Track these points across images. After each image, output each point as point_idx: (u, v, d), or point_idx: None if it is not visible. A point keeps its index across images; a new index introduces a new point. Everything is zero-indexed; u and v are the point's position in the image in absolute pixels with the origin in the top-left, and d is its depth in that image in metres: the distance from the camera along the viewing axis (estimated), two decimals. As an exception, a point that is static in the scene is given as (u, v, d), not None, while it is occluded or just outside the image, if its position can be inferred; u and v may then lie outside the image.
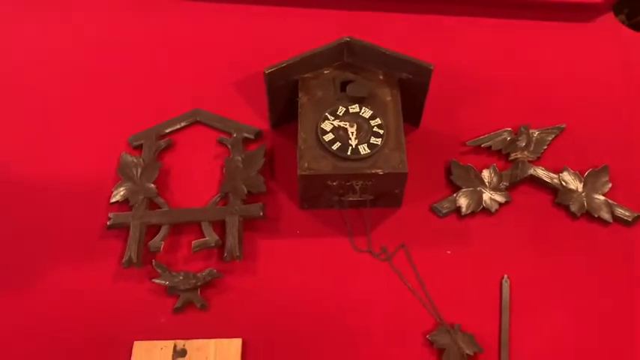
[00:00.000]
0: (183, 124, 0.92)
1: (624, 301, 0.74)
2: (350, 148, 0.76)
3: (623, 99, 0.94)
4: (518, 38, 1.02)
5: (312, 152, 0.77)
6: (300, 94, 0.82)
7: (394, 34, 1.01)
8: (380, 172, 0.75)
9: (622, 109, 0.92)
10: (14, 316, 0.73)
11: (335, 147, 0.76)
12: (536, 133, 0.88)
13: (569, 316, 0.73)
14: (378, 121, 0.79)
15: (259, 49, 1.00)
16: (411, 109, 0.88)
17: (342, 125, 0.78)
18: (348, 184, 0.77)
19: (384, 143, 0.77)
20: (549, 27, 1.04)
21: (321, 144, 0.77)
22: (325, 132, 0.78)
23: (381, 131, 0.78)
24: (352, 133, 0.78)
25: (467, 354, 0.69)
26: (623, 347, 0.70)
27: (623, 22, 1.05)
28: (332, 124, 0.79)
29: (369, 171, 0.75)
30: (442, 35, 1.03)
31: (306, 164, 0.76)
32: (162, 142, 0.89)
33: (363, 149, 0.76)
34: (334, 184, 0.77)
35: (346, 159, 0.76)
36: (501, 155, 0.87)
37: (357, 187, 0.78)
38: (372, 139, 0.77)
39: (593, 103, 0.92)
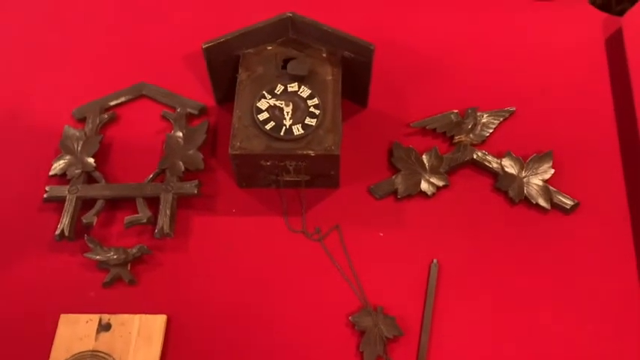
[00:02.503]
0: (128, 97, 0.91)
1: (553, 289, 0.74)
2: (284, 128, 0.75)
3: (577, 84, 0.91)
4: (470, 18, 0.99)
5: (245, 131, 0.76)
6: (240, 70, 0.81)
7: (343, 11, 0.98)
8: (312, 153, 0.74)
9: (575, 95, 0.89)
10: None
11: (268, 127, 0.75)
12: (484, 116, 0.86)
13: (495, 303, 0.73)
14: (316, 101, 0.77)
15: (212, 23, 0.98)
16: (357, 89, 0.86)
17: (277, 104, 0.77)
18: (281, 164, 0.76)
19: (318, 124, 0.76)
20: (502, 6, 1.00)
21: (256, 123, 0.76)
22: (260, 111, 0.77)
23: (317, 112, 0.76)
24: (287, 112, 0.77)
25: (386, 337, 0.70)
26: (547, 336, 0.71)
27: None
28: (268, 102, 0.77)
29: (301, 152, 0.74)
30: (392, 13, 0.99)
31: (238, 143, 0.75)
32: (106, 116, 0.88)
33: (297, 130, 0.75)
34: (268, 164, 0.77)
35: (279, 139, 0.75)
36: (446, 138, 0.86)
37: (291, 168, 0.77)
38: (307, 120, 0.76)
39: (545, 87, 0.90)
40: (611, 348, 0.70)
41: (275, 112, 0.77)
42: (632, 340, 0.70)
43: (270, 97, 0.78)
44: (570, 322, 0.71)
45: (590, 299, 0.73)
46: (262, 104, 0.77)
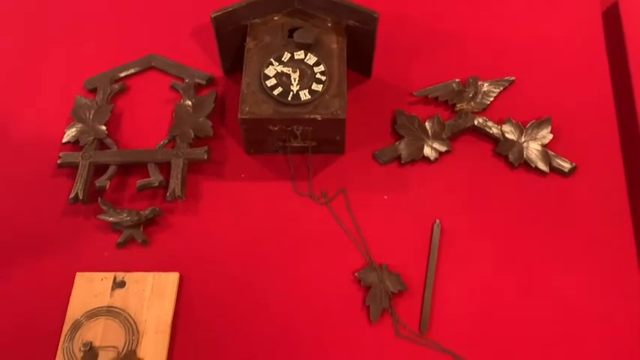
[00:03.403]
0: (137, 68, 0.93)
1: (551, 248, 0.76)
2: (291, 93, 0.78)
3: (575, 54, 0.93)
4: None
5: (254, 97, 0.78)
6: (247, 40, 0.83)
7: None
8: (318, 117, 0.77)
9: (573, 65, 0.92)
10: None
11: (276, 92, 0.78)
12: (485, 85, 0.89)
13: (496, 261, 0.76)
14: (322, 67, 0.80)
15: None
16: (362, 59, 0.88)
17: (285, 71, 0.79)
18: (289, 129, 0.79)
19: (325, 90, 0.78)
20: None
21: (264, 89, 0.78)
22: (268, 77, 0.79)
23: (324, 78, 0.79)
24: (295, 79, 0.79)
25: (391, 292, 0.72)
26: (546, 297, 0.73)
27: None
28: (275, 69, 0.80)
29: (308, 116, 0.77)
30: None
31: (247, 108, 0.77)
32: (116, 86, 0.91)
33: (304, 95, 0.78)
34: (276, 128, 0.79)
35: (287, 104, 0.77)
36: (448, 106, 0.88)
37: (298, 133, 0.79)
38: (314, 86, 0.78)
39: (544, 56, 0.92)
40: (606, 303, 0.72)
41: (282, 79, 0.79)
42: (626, 297, 0.73)
43: (277, 64, 0.80)
44: (567, 279, 0.74)
45: (587, 258, 0.76)
46: (270, 71, 0.79)
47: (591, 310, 0.72)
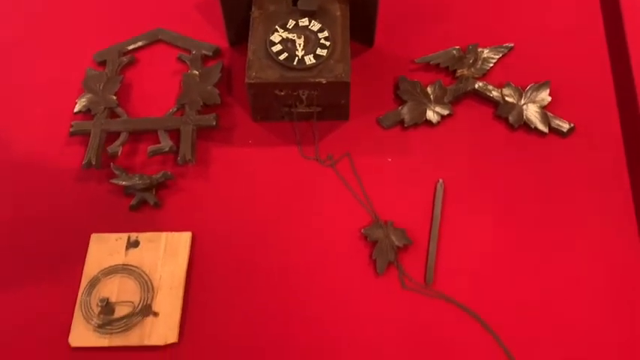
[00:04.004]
0: (145, 42, 0.95)
1: (550, 205, 0.79)
2: (296, 58, 0.80)
3: (571, 18, 0.95)
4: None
5: (260, 62, 0.80)
6: (252, 9, 0.85)
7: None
8: (323, 80, 0.79)
9: (569, 29, 0.94)
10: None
11: (282, 57, 0.80)
12: (484, 52, 0.91)
13: (496, 217, 0.78)
14: (326, 33, 0.82)
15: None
16: (364, 28, 0.90)
17: (290, 37, 0.82)
18: (295, 93, 0.81)
19: (329, 55, 0.80)
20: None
21: (270, 55, 0.80)
22: (274, 43, 0.81)
23: (328, 43, 0.81)
24: (300, 44, 0.81)
25: (397, 246, 0.75)
26: (544, 250, 0.76)
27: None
28: (281, 36, 0.82)
29: (313, 80, 0.79)
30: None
31: (253, 73, 0.80)
32: (125, 59, 0.93)
33: (309, 59, 0.80)
34: (282, 93, 0.81)
35: (292, 69, 0.80)
36: (449, 72, 0.91)
37: (304, 97, 0.81)
38: (318, 51, 0.81)
39: (541, 23, 0.94)
40: (601, 254, 0.75)
41: (288, 45, 0.81)
42: (622, 247, 0.75)
43: (282, 30, 0.82)
44: (565, 234, 0.76)
45: (584, 214, 0.78)
46: (275, 37, 0.82)
47: (588, 260, 0.75)
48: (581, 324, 0.70)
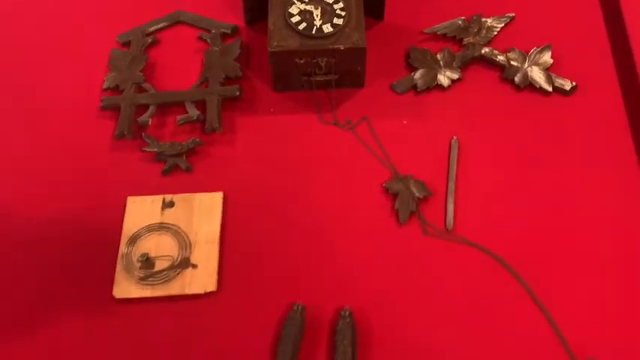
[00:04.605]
0: (166, 23, 1.00)
1: (556, 156, 0.84)
2: (315, 27, 0.85)
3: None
4: None
5: (280, 33, 0.85)
6: (271, -15, 0.91)
7: None
8: (341, 47, 0.84)
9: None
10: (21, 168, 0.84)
11: (301, 27, 0.85)
12: (488, 22, 0.97)
13: (508, 169, 0.83)
14: (341, 4, 0.87)
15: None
16: (375, 2, 0.96)
17: (307, 9, 0.87)
18: (314, 61, 0.86)
19: (345, 23, 0.85)
20: None
21: (289, 25, 0.86)
22: (292, 15, 0.86)
23: (343, 13, 0.86)
24: (317, 15, 0.86)
25: (417, 197, 0.79)
26: (549, 193, 0.81)
27: None
28: (299, 8, 0.87)
29: (331, 46, 0.84)
30: None
31: (275, 42, 0.85)
32: (149, 39, 0.98)
33: (327, 28, 0.85)
34: (302, 61, 0.86)
35: (311, 37, 0.85)
36: (456, 41, 0.96)
37: (322, 64, 0.86)
38: (335, 20, 0.86)
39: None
40: (606, 198, 0.80)
41: (306, 16, 0.86)
42: (625, 190, 0.81)
43: (299, 2, 0.87)
44: (570, 179, 0.82)
45: (587, 161, 0.84)
46: (293, 9, 0.87)
47: (592, 200, 0.80)
48: (593, 256, 0.75)
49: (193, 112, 0.88)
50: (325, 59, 0.86)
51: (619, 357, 0.69)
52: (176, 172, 0.84)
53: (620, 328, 0.71)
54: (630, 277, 0.74)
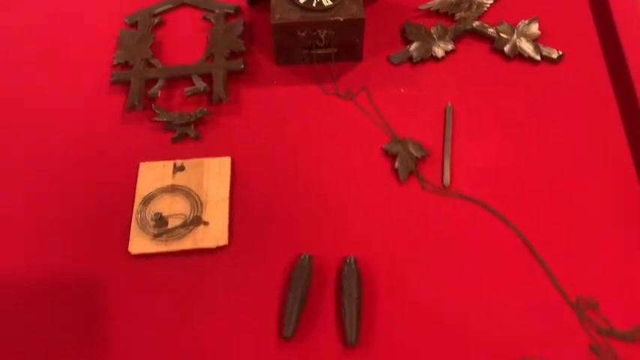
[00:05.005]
0: (171, 5, 1.05)
1: (545, 119, 0.89)
2: (315, 1, 0.90)
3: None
4: None
5: (282, 6, 0.90)
6: (271, -35, 0.96)
7: None
8: (340, 19, 0.89)
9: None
10: (35, 147, 0.88)
11: (302, 1, 0.90)
12: (478, -2, 1.03)
13: (500, 131, 0.88)
14: (339, -20, 0.93)
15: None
16: (370, -19, 1.01)
17: (308, -15, 0.92)
18: (314, 33, 0.91)
19: (343, -3, 0.91)
20: None
21: (290, 0, 0.91)
22: (293, -10, 0.92)
23: (342, -12, 0.92)
24: (317, -10, 0.92)
25: (416, 157, 0.84)
26: (540, 156, 0.86)
27: None
28: (299, -16, 0.92)
29: (331, 18, 0.89)
30: None
31: (277, 15, 0.89)
32: (155, 19, 1.02)
33: (327, 1, 0.89)
34: (303, 34, 0.91)
35: (312, 10, 0.89)
36: (449, 16, 1.01)
37: (323, 36, 0.91)
38: (334, -6, 0.91)
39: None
40: (591, 156, 0.85)
41: (306, -9, 0.92)
42: (609, 150, 0.86)
43: (300, -21, 0.93)
44: (557, 142, 0.87)
45: (574, 122, 0.89)
46: (295, -15, 0.92)
47: (577, 154, 0.85)
48: (580, 204, 0.81)
49: (200, 84, 0.92)
50: (325, 31, 0.91)
51: (610, 296, 0.74)
52: (185, 140, 0.88)
53: (609, 269, 0.76)
54: (613, 223, 0.79)
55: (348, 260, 0.74)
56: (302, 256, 0.74)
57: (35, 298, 0.76)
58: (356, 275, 0.72)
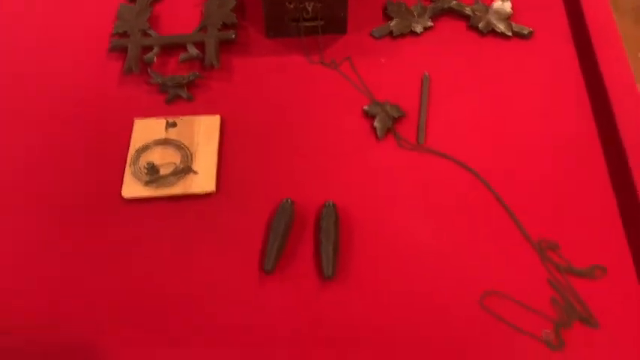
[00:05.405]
0: (169, -17, 1.12)
1: (517, 90, 0.95)
2: (302, -26, 0.97)
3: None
4: None
5: (272, -20, 0.97)
6: (263, -57, 1.03)
7: None
8: (326, -10, 0.96)
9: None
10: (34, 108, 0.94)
11: (291, -25, 0.97)
12: (456, -18, 1.10)
13: (473, 97, 0.94)
14: (325, -43, 1.00)
15: None
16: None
17: (296, -39, 0.99)
18: (301, 5, 0.97)
19: (330, -28, 0.98)
20: None
21: (280, -27, 0.98)
22: (282, -35, 0.98)
23: (328, -36, 0.99)
24: (305, -35, 0.99)
25: (393, 117, 0.90)
26: (511, 123, 0.92)
27: None
28: (288, -40, 0.99)
29: (318, -10, 0.96)
30: None
31: (267, -13, 0.96)
32: (153, -5, 1.09)
33: (313, -24, 0.97)
34: (291, 6, 0.97)
35: (299, -17, 0.97)
36: (428, -2, 1.09)
37: (310, 8, 0.98)
38: (321, -31, 0.98)
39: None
40: (552, 122, 0.92)
41: (295, -34, 0.99)
42: (571, 121, 0.92)
43: (289, -44, 1.00)
44: (526, 104, 0.93)
45: (541, 94, 0.95)
46: (284, -38, 0.99)
47: (543, 124, 0.91)
48: (543, 162, 0.87)
49: (193, 50, 0.98)
50: (312, 3, 0.97)
51: (570, 239, 0.79)
52: (178, 101, 0.94)
53: (570, 215, 0.82)
54: (574, 176, 0.85)
55: (327, 204, 0.79)
56: (284, 200, 0.80)
57: (34, 231, 0.81)
58: (334, 216, 0.77)
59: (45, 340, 0.74)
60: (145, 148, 0.86)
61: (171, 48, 1.01)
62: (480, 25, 1.02)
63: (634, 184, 0.78)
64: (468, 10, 1.04)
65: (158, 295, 0.76)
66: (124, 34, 1.02)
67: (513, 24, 1.02)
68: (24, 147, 0.90)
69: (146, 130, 0.89)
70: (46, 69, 0.99)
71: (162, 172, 0.84)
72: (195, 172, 0.84)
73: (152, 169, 0.83)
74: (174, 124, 0.90)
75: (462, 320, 0.73)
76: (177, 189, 0.82)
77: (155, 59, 0.98)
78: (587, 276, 0.74)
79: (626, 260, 0.76)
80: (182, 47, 1.00)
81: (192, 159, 0.86)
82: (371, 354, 0.72)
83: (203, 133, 0.89)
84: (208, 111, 0.93)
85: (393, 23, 1.03)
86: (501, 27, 1.01)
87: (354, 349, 0.72)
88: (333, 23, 1.01)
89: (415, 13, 1.04)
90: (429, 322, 0.73)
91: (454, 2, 1.05)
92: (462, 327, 0.72)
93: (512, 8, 1.04)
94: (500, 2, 1.05)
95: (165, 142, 0.87)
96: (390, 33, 1.02)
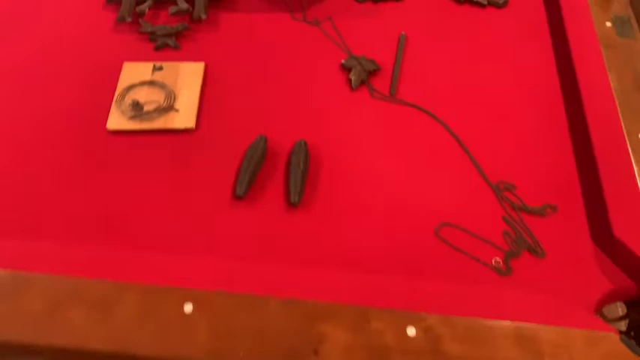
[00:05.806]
0: (165, -54, 1.18)
1: (491, 54, 1.00)
2: (290, -62, 1.03)
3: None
4: None
5: (261, -59, 1.03)
6: None
7: None
8: (311, -47, 1.01)
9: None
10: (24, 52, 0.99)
11: (279, -63, 1.03)
12: (438, -45, 1.15)
13: (447, 58, 0.99)
14: None
15: None
16: None
17: None
18: (288, -35, 1.03)
19: (315, -63, 1.03)
20: None
21: (269, -63, 1.03)
22: None
23: None
24: None
25: (368, 70, 0.94)
26: (475, 78, 0.97)
27: None
28: None
29: (302, -48, 1.02)
30: None
31: (256, -52, 1.02)
32: (149, -44, 1.15)
33: (300, -61, 1.02)
34: (278, -34, 1.03)
35: (286, -55, 1.02)
36: (410, -32, 1.14)
37: (295, -30, 1.04)
38: None
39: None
40: (522, 86, 0.96)
41: None
42: (539, 81, 0.97)
43: None
44: (498, 65, 0.98)
45: (512, 56, 1.00)
46: None
47: (509, 81, 0.96)
48: (505, 113, 0.92)
49: (183, 4, 1.03)
50: (297, -35, 1.03)
51: (525, 181, 0.83)
52: (167, 50, 0.99)
53: (526, 161, 0.86)
54: (532, 126, 0.90)
55: (298, 142, 0.83)
56: (258, 136, 0.84)
57: (29, 150, 0.85)
58: (304, 152, 0.81)
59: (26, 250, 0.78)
60: (131, 87, 0.91)
61: (163, 3, 1.07)
62: (458, -7, 1.07)
63: (589, 132, 0.83)
64: (447, -20, 1.10)
65: (134, 213, 0.80)
66: (120, -6, 1.08)
67: (489, -6, 1.08)
68: (24, 77, 0.95)
69: (134, 72, 0.94)
70: (48, 15, 1.04)
71: (146, 109, 0.89)
72: (176, 110, 0.89)
73: (137, 105, 0.88)
74: (160, 68, 0.95)
75: (419, 247, 0.77)
76: (159, 123, 0.87)
77: (147, 11, 1.03)
78: (539, 213, 0.78)
79: (577, 200, 0.80)
80: (173, 1, 1.06)
81: (175, 99, 0.90)
82: (331, 274, 0.75)
83: (187, 77, 0.94)
84: (194, 59, 0.98)
85: (375, -11, 1.09)
86: (478, -4, 1.07)
87: (315, 267, 0.75)
88: (318, -15, 1.07)
89: (397, -19, 1.10)
90: (388, 247, 0.77)
91: (434, -28, 1.11)
92: (419, 253, 0.76)
93: (490, -20, 1.10)
94: (478, -26, 1.11)
95: (150, 83, 0.92)
96: (372, -2, 1.08)
